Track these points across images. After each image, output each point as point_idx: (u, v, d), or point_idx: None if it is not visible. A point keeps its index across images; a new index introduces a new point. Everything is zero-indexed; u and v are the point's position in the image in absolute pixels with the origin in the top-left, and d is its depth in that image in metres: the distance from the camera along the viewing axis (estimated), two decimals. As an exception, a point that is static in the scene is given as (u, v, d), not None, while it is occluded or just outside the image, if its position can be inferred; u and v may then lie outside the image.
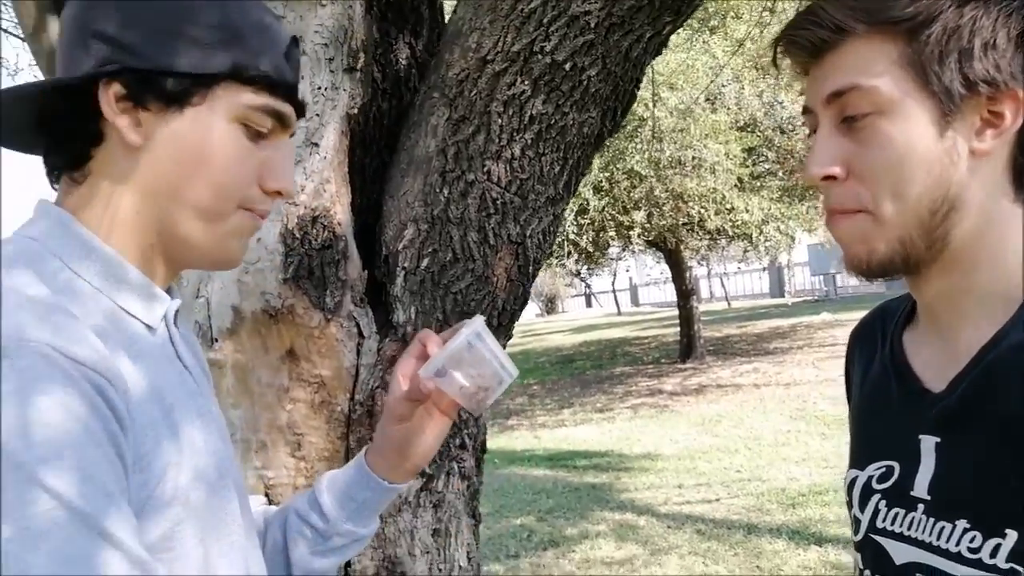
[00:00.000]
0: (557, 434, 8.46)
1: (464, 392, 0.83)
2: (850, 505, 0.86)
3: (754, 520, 4.93)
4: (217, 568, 0.70)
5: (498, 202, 1.42)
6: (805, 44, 0.76)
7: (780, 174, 10.23)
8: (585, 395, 10.57)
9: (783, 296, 22.61)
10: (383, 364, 1.39)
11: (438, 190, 1.40)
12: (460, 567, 1.57)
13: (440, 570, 1.52)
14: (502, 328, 1.49)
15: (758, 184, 10.14)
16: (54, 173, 0.72)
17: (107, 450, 0.58)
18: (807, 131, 0.82)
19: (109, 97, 0.67)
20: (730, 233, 10.38)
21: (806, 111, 0.80)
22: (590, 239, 9.93)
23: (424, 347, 0.86)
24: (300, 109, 0.76)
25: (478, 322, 0.83)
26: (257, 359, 1.36)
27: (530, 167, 1.42)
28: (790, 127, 9.56)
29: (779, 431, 7.30)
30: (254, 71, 0.70)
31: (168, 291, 0.75)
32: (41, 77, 1.77)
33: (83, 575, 0.53)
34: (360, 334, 1.38)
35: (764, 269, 23.62)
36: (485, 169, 1.40)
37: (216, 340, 1.35)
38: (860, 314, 1.06)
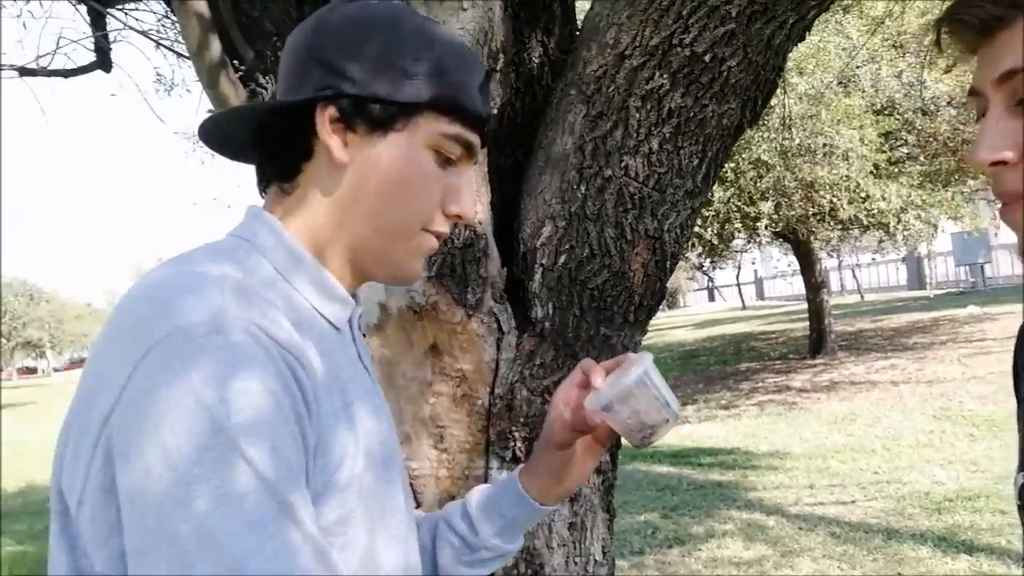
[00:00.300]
0: (681, 431, 8.30)
1: (629, 428, 0.85)
2: (1021, 509, 0.81)
3: (894, 524, 4.68)
4: (380, 557, 0.74)
5: (635, 197, 1.41)
6: (974, 22, 0.72)
7: (921, 159, 9.59)
8: (709, 392, 10.33)
9: (923, 288, 21.24)
10: (522, 359, 1.42)
11: (575, 187, 1.41)
12: (595, 560, 1.58)
13: (576, 563, 1.54)
14: (638, 324, 1.48)
15: (896, 170, 9.54)
16: (265, 182, 0.79)
17: (293, 428, 0.62)
18: (974, 114, 0.77)
19: (324, 118, 0.73)
20: (864, 223, 9.84)
21: (973, 93, 0.75)
22: (714, 231, 9.66)
23: (586, 376, 0.87)
24: (485, 139, 0.80)
25: (647, 360, 0.84)
26: (402, 354, 1.41)
27: (668, 161, 1.40)
28: (933, 108, 8.93)
29: (921, 431, 6.88)
30: (453, 103, 0.75)
31: (353, 297, 0.81)
32: (201, 91, 1.90)
33: (267, 540, 0.57)
34: (500, 330, 1.41)
35: (901, 260, 22.28)
36: (622, 164, 1.39)
37: (364, 336, 1.42)
38: (1012, 307, 0.98)
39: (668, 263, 1.48)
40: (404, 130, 0.74)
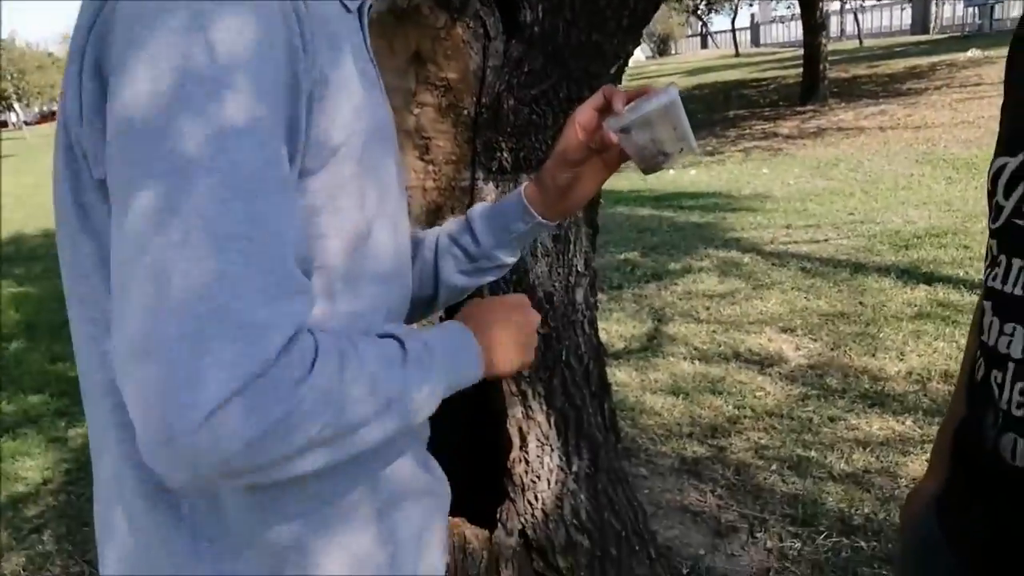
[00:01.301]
0: (664, 176, 8.37)
1: (643, 153, 0.86)
2: (992, 194, 0.84)
3: (862, 260, 4.90)
4: (376, 235, 0.75)
5: None
6: None
7: None
8: (696, 138, 10.23)
9: (926, 32, 20.40)
10: (510, 67, 1.37)
11: None
12: (577, 271, 1.66)
13: (559, 273, 1.62)
14: (632, 30, 1.42)
15: None
16: None
17: (284, 74, 0.58)
18: None
19: None
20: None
21: None
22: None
23: (607, 100, 0.85)
24: None
25: (674, 91, 0.82)
26: (384, 62, 1.36)
27: None
28: None
29: (900, 175, 6.99)
30: None
31: None
32: None
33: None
34: (487, 35, 1.36)
35: (908, 1, 21.16)
36: None
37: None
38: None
39: (664, -36, 1.39)
40: None
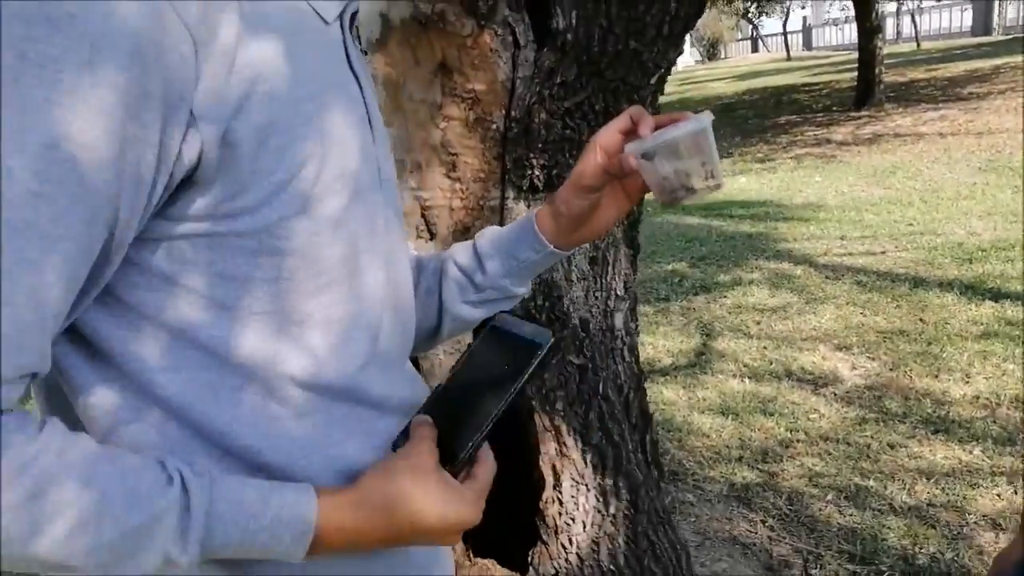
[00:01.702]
0: (713, 184, 8.17)
1: (664, 184, 0.76)
2: None
3: (922, 273, 4.68)
4: (364, 275, 0.68)
5: None
6: None
7: None
8: (745, 145, 10.05)
9: (988, 34, 19.71)
10: (541, 77, 1.27)
11: None
12: (616, 295, 1.55)
13: (596, 297, 1.51)
14: (673, 38, 1.31)
15: None
16: None
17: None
18: None
19: None
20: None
21: None
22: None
23: (633, 123, 0.77)
24: None
25: (707, 119, 0.73)
26: (407, 73, 1.28)
27: None
28: None
29: (963, 183, 6.70)
30: None
31: None
32: None
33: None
34: (516, 43, 1.26)
35: (968, 1, 20.49)
36: None
37: (365, 53, 1.27)
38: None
39: (711, -36, 1.28)
40: None
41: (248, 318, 0.61)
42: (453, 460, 0.67)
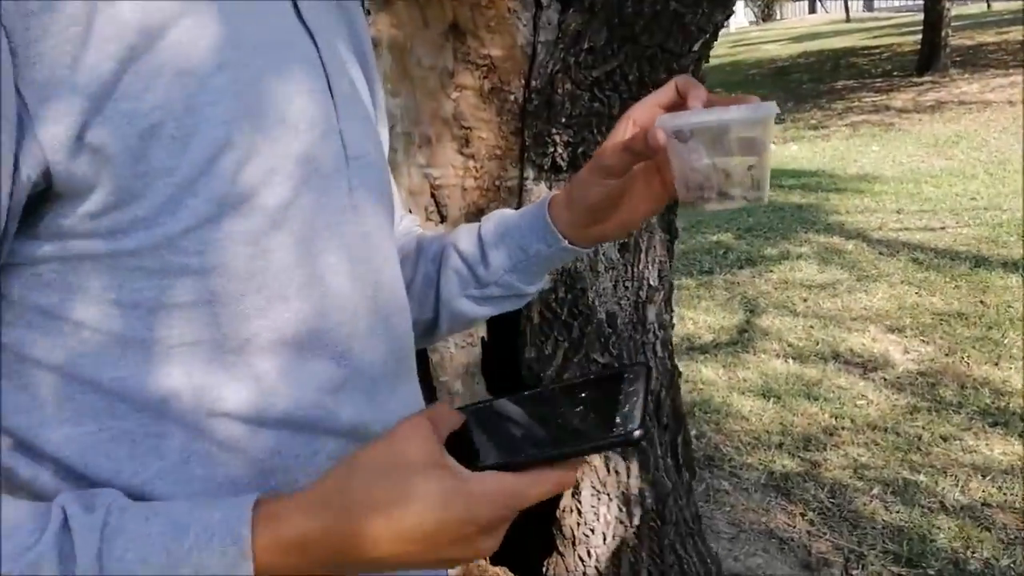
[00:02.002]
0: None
1: (691, 177, 0.58)
2: None
3: (985, 252, 4.47)
4: (323, 279, 0.56)
5: None
6: None
7: None
8: (799, 111, 9.74)
9: (1063, -5, 18.67)
10: (566, 42, 1.13)
11: None
12: (649, 285, 1.41)
13: (626, 288, 1.37)
14: (719, -3, 1.15)
15: None
16: None
17: None
18: None
19: None
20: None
21: None
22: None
23: (681, 96, 0.60)
24: None
25: (772, 108, 0.55)
26: (415, 35, 1.15)
27: None
28: None
29: (1032, 155, 6.35)
30: None
31: None
32: None
33: None
34: (537, 3, 1.12)
35: (1044, -40, 19.38)
36: None
37: (369, 13, 1.14)
38: None
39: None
40: None
41: (165, 353, 0.50)
42: (474, 460, 0.50)
